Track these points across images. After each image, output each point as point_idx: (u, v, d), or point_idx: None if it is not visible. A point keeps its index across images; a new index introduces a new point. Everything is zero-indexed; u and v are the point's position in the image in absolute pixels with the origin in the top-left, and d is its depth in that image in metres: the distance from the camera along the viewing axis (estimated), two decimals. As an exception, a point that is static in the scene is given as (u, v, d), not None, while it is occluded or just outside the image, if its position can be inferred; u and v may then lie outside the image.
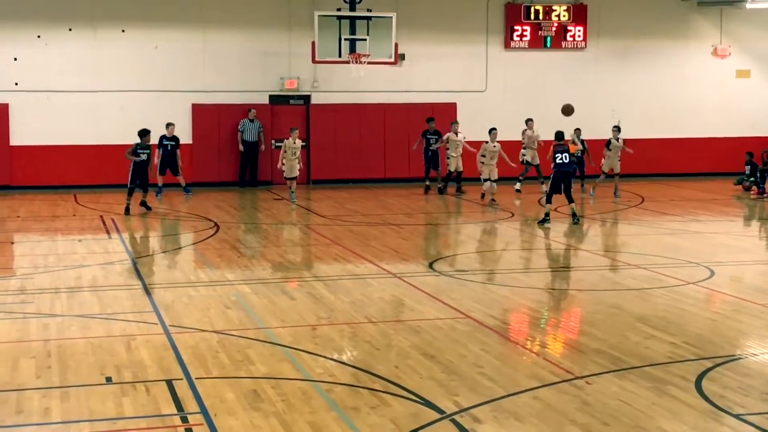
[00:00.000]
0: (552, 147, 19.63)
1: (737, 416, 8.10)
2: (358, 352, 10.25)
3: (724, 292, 13.25)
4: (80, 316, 11.76)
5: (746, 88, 29.59)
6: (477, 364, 9.65)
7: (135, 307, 12.37)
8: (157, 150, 23.20)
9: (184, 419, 8.08)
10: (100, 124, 25.61)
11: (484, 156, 22.56)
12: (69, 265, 15.17)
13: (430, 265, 15.14)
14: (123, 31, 25.85)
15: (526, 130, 24.82)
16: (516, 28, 27.98)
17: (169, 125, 24.00)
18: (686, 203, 23.34)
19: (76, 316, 11.76)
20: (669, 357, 9.88)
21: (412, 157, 25.59)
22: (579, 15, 28.28)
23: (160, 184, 23.98)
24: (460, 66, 27.76)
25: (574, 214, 19.63)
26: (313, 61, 25.03)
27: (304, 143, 24.12)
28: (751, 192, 24.97)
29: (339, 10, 24.94)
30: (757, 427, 7.86)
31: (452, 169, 24.60)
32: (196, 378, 9.13)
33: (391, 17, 24.76)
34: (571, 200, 19.68)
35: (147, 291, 13.25)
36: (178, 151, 24.05)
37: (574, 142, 21.06)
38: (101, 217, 20.68)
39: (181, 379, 9.11)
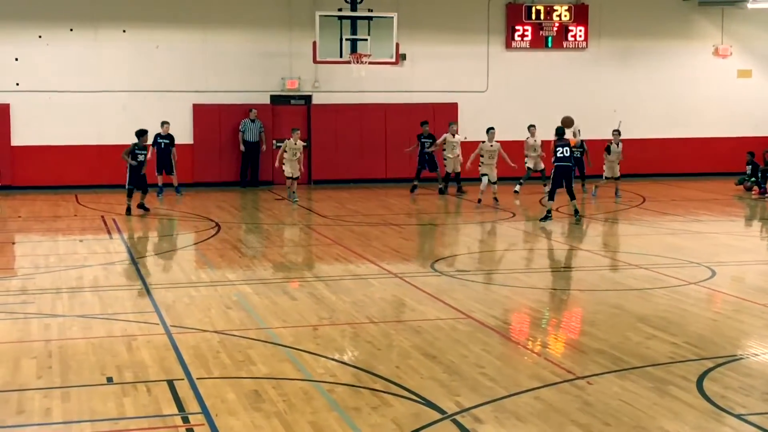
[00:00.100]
0: (553, 142, 19.68)
1: (738, 416, 8.09)
2: (359, 352, 10.25)
3: (725, 292, 13.25)
4: (81, 316, 11.76)
5: (747, 88, 29.59)
6: (478, 364, 9.65)
7: (136, 308, 12.38)
8: (151, 148, 23.16)
9: (185, 419, 8.07)
10: (101, 125, 25.62)
11: (482, 156, 22.50)
12: (70, 266, 15.17)
13: (432, 266, 15.14)
14: (124, 31, 25.86)
15: (528, 137, 24.79)
16: (517, 28, 27.98)
17: (163, 123, 23.99)
18: (687, 203, 23.33)
19: (77, 316, 11.76)
20: (670, 357, 9.87)
21: (413, 158, 25.58)
22: (580, 15, 28.28)
23: (159, 183, 24.00)
24: (461, 66, 27.76)
25: (576, 212, 19.64)
26: (314, 61, 25.05)
27: (305, 143, 24.14)
28: (753, 192, 24.96)
29: (340, 10, 24.95)
30: (758, 427, 7.85)
31: (449, 170, 24.61)
32: (197, 378, 9.12)
33: (393, 17, 24.77)
34: (572, 197, 19.71)
35: (148, 291, 13.25)
36: (173, 149, 24.02)
37: (574, 135, 21.08)
38: (102, 217, 20.69)
39: (182, 379, 9.11)
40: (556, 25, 28.16)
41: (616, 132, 24.30)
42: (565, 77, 28.40)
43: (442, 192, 24.73)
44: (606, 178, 24.09)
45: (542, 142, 24.47)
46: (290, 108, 27.14)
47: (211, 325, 11.28)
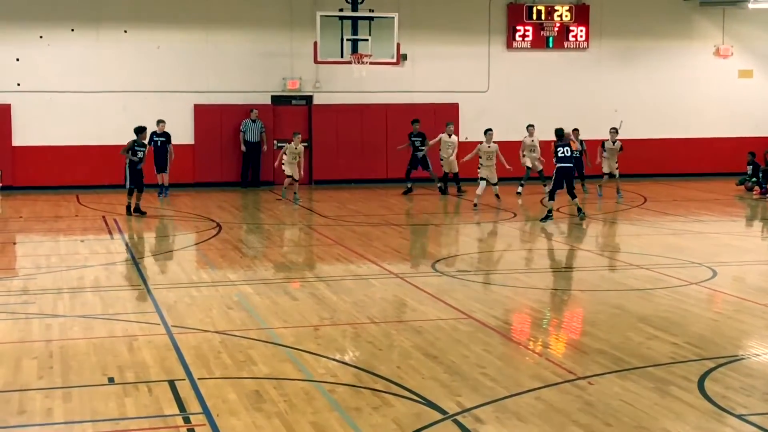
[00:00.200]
0: (554, 143, 19.69)
1: (740, 416, 8.09)
2: (360, 353, 10.26)
3: (726, 293, 13.24)
4: (82, 316, 11.76)
5: (748, 88, 29.58)
6: (479, 364, 9.65)
7: (137, 308, 12.39)
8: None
9: (187, 420, 8.08)
10: (103, 125, 25.61)
11: (480, 157, 22.37)
12: (71, 266, 15.17)
13: (433, 266, 15.14)
14: (125, 31, 25.87)
15: (526, 136, 24.80)
16: (518, 28, 27.98)
17: (159, 122, 23.95)
18: (688, 203, 23.33)
19: (78, 316, 11.77)
20: (671, 357, 9.87)
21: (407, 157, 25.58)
22: (581, 15, 28.28)
23: (160, 183, 23.98)
24: (462, 66, 27.75)
25: (579, 209, 19.61)
26: (315, 61, 25.05)
27: (306, 144, 24.13)
28: (754, 192, 24.95)
29: (341, 10, 24.95)
30: (759, 428, 7.85)
31: (446, 170, 24.62)
32: (199, 378, 9.13)
33: (393, 17, 24.77)
34: (573, 196, 19.73)
35: (149, 291, 13.25)
36: (169, 147, 23.93)
37: (573, 140, 21.12)
38: (103, 217, 20.69)
39: (184, 379, 9.11)
40: (557, 25, 28.16)
41: (613, 130, 24.31)
42: (566, 77, 28.40)
43: (443, 192, 24.73)
44: (605, 173, 24.11)
45: (540, 142, 24.49)
46: (291, 108, 27.15)
47: (212, 325, 11.28)
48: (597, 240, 18.79)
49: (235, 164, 26.63)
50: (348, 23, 24.67)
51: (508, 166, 22.49)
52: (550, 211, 19.55)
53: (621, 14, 28.68)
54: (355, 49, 24.58)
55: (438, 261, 15.64)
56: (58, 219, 20.70)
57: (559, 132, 20.00)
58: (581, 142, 24.78)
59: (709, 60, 29.39)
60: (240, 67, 26.58)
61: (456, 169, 24.52)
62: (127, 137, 21.02)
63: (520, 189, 24.56)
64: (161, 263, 15.94)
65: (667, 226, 19.61)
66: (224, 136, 26.59)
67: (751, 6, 28.28)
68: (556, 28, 28.18)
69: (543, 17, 28.04)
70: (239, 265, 15.27)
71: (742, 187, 25.85)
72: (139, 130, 21.02)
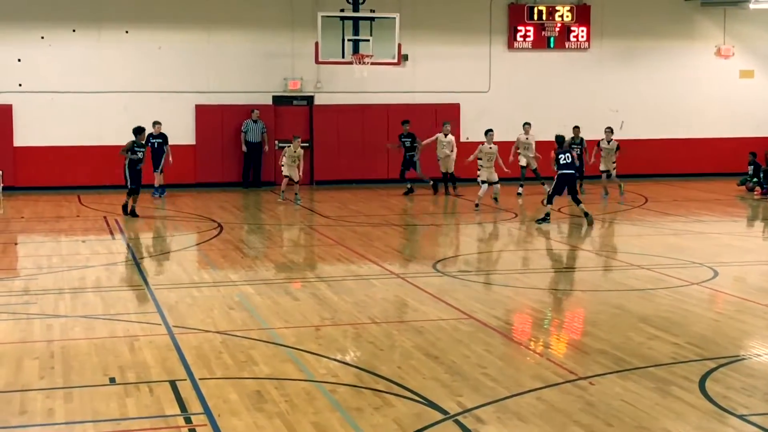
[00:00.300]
0: (554, 151, 19.61)
1: (741, 417, 8.09)
2: (361, 353, 10.26)
3: (727, 293, 13.24)
4: (84, 316, 11.77)
5: (750, 89, 29.58)
6: (480, 364, 9.65)
7: (138, 308, 12.40)
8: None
9: (188, 420, 8.08)
10: (104, 125, 25.62)
11: (480, 159, 22.21)
12: (73, 266, 15.18)
13: (434, 266, 15.14)
14: (127, 32, 25.88)
15: (521, 134, 24.81)
16: (519, 28, 27.98)
17: (155, 124, 23.87)
18: (689, 204, 23.33)
19: (79, 316, 11.77)
20: (672, 357, 9.87)
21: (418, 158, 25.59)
22: (582, 15, 28.28)
23: (156, 184, 23.94)
24: (463, 66, 27.75)
25: (586, 214, 19.53)
26: (317, 61, 25.05)
27: (307, 144, 24.11)
28: (755, 192, 24.95)
29: (342, 10, 24.96)
30: (760, 428, 7.85)
31: (442, 170, 24.63)
32: (200, 378, 9.13)
33: (395, 18, 24.76)
34: (578, 202, 19.67)
35: (150, 292, 13.25)
36: (166, 148, 23.82)
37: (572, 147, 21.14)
38: (105, 217, 20.70)
39: (185, 379, 9.11)
40: (558, 25, 28.16)
41: (608, 129, 24.31)
42: (567, 78, 28.40)
43: (435, 190, 24.68)
44: (601, 172, 24.13)
45: (536, 143, 24.49)
46: (292, 109, 27.16)
47: (213, 325, 11.29)
48: (598, 240, 18.79)
49: (236, 164, 26.64)
50: (349, 23, 24.67)
51: (506, 169, 22.45)
52: (547, 214, 19.46)
53: (622, 14, 28.68)
54: (356, 50, 24.58)
55: (439, 261, 15.64)
56: (60, 219, 20.71)
57: (560, 139, 19.94)
58: (581, 139, 24.82)
59: (710, 60, 29.39)
60: (241, 68, 26.59)
61: (452, 169, 24.53)
62: (129, 138, 20.98)
63: (520, 190, 24.56)
64: (162, 263, 15.95)
65: (668, 227, 19.61)
66: (225, 137, 26.60)
67: (752, 6, 28.28)
68: (557, 29, 28.18)
69: (544, 17, 28.03)
70: (240, 266, 15.28)
71: (743, 187, 25.84)
72: (138, 131, 20.94)
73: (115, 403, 8.46)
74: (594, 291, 13.65)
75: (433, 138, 24.70)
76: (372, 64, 24.61)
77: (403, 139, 25.03)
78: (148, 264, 15.64)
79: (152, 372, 9.37)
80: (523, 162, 24.67)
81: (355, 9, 24.97)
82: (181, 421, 8.09)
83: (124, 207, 20.61)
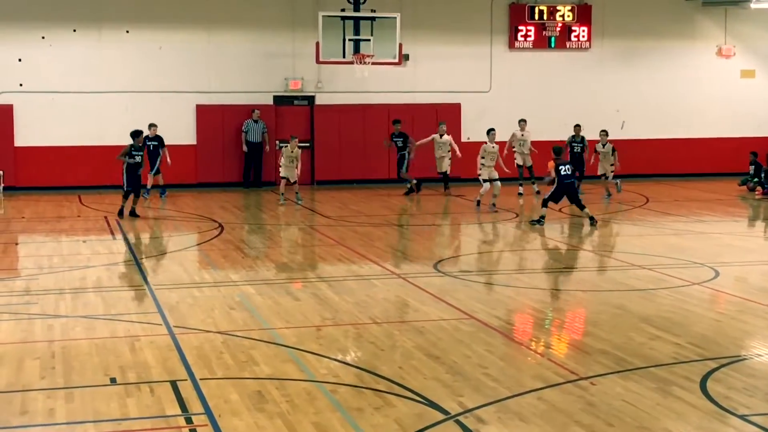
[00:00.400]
0: (553, 161, 19.49)
1: (742, 417, 8.09)
2: (362, 353, 10.26)
3: (728, 293, 13.24)
4: (85, 316, 11.77)
5: (751, 88, 29.58)
6: (481, 364, 9.65)
7: (139, 308, 12.40)
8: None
9: (189, 420, 8.08)
10: (105, 125, 25.63)
11: (483, 158, 22.10)
12: (73, 266, 15.18)
13: (435, 266, 15.13)
14: (127, 32, 25.89)
15: (517, 130, 24.80)
16: (520, 28, 27.99)
17: (151, 126, 23.73)
18: (691, 203, 23.32)
19: (80, 316, 11.77)
20: (673, 358, 9.87)
21: (416, 158, 25.59)
22: (583, 15, 28.28)
23: (161, 183, 23.95)
24: (464, 66, 27.76)
25: (591, 218, 19.49)
26: (317, 61, 25.05)
27: (307, 144, 24.09)
28: (756, 192, 24.94)
29: (343, 10, 24.95)
30: (761, 428, 7.85)
31: (439, 171, 24.63)
32: (201, 379, 9.13)
33: (396, 18, 24.76)
34: (582, 207, 19.64)
35: (151, 292, 13.26)
36: (162, 151, 23.69)
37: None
38: (106, 218, 20.70)
39: (186, 379, 9.11)
40: (559, 25, 28.16)
41: (603, 132, 24.31)
42: (568, 77, 28.41)
43: (416, 190, 24.63)
44: (600, 174, 24.14)
45: (533, 142, 24.49)
46: (293, 108, 27.16)
47: (214, 325, 11.28)
48: (599, 240, 18.77)
49: (237, 164, 26.65)
50: (350, 23, 24.65)
51: (507, 170, 22.43)
52: (542, 216, 19.38)
53: (623, 14, 28.68)
54: (357, 50, 24.57)
55: (440, 261, 15.64)
56: (61, 219, 20.71)
57: (558, 150, 19.91)
58: (582, 138, 24.84)
59: (711, 60, 29.39)
60: (242, 68, 26.59)
61: (444, 168, 24.53)
62: (129, 138, 20.94)
63: (521, 189, 24.56)
64: (163, 264, 15.94)
65: (669, 227, 19.60)
66: (226, 137, 26.60)
67: (753, 6, 28.28)
68: (558, 28, 28.19)
69: (545, 17, 28.04)
70: (241, 266, 15.28)
71: (744, 187, 25.84)
72: (136, 134, 20.75)
73: (116, 404, 8.46)
74: (595, 291, 13.64)
75: (429, 139, 24.71)
76: (373, 64, 24.61)
77: (394, 139, 25.03)
78: (149, 264, 15.64)
79: (153, 372, 9.37)
80: (519, 160, 24.67)
81: (356, 9, 24.97)
82: (181, 421, 8.08)
83: (120, 212, 20.37)
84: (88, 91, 25.71)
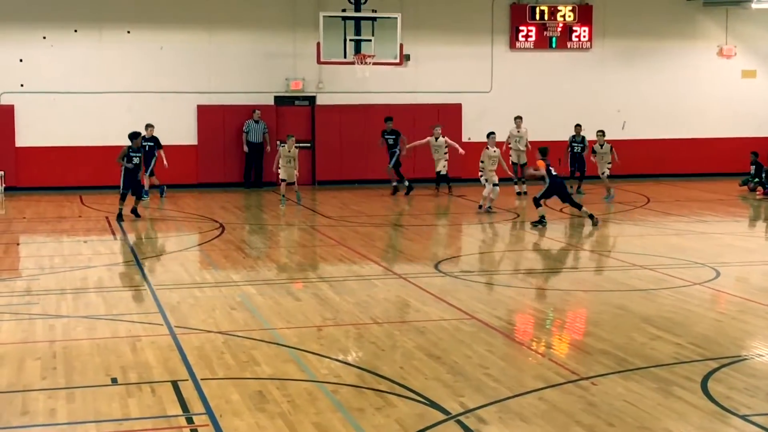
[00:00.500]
0: (542, 161, 19.49)
1: (743, 417, 8.09)
2: (363, 353, 10.26)
3: (729, 293, 13.23)
4: (86, 317, 11.77)
5: (752, 89, 29.57)
6: (482, 364, 9.65)
7: (140, 308, 12.40)
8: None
9: (190, 420, 8.08)
10: (106, 126, 25.62)
11: (483, 162, 21.94)
12: (75, 266, 15.19)
13: (436, 266, 15.14)
14: (128, 32, 25.90)
15: (513, 128, 24.80)
16: (521, 28, 27.98)
17: (148, 126, 23.67)
18: (692, 204, 23.32)
19: (81, 317, 11.78)
20: (674, 358, 9.87)
21: (417, 158, 25.60)
22: (584, 15, 28.27)
23: (158, 183, 23.92)
24: (465, 66, 27.76)
25: (591, 216, 19.48)
26: (318, 62, 25.05)
27: (309, 145, 24.08)
28: (757, 192, 24.93)
29: (344, 10, 24.94)
30: (762, 428, 7.85)
31: (436, 170, 24.65)
32: (202, 379, 9.13)
33: (396, 18, 24.75)
34: (578, 206, 19.61)
35: (152, 292, 13.26)
36: (158, 152, 23.58)
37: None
38: (107, 218, 20.70)
39: (187, 380, 9.12)
40: (560, 25, 28.15)
41: (600, 132, 24.30)
42: (569, 78, 28.40)
43: (394, 191, 24.63)
44: (599, 175, 24.15)
45: (530, 142, 24.50)
46: (294, 109, 27.16)
47: (215, 325, 11.29)
48: (599, 240, 18.77)
49: (238, 165, 26.66)
50: (351, 24, 24.65)
51: (510, 173, 22.42)
52: (542, 217, 19.35)
53: (624, 14, 28.67)
54: (358, 50, 24.57)
55: (441, 261, 15.64)
56: (62, 220, 20.72)
57: (544, 150, 19.94)
58: (583, 138, 24.84)
59: (712, 60, 29.38)
60: (243, 68, 26.60)
61: (440, 170, 24.53)
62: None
63: (518, 189, 24.54)
64: (164, 264, 15.95)
65: (670, 227, 19.60)
66: (227, 137, 26.61)
67: (754, 6, 28.28)
68: (559, 29, 28.18)
69: (546, 17, 28.03)
70: (242, 266, 15.28)
71: (745, 187, 25.83)
72: (134, 136, 20.59)
73: (117, 404, 8.47)
74: (596, 291, 13.64)
75: (424, 141, 24.67)
76: (374, 64, 24.60)
77: (386, 136, 25.03)
78: (150, 264, 15.65)
79: (154, 372, 9.38)
80: (514, 158, 24.68)
81: (357, 9, 24.97)
82: (183, 421, 8.09)
83: (119, 216, 20.13)
84: (89, 92, 25.72)
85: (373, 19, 24.75)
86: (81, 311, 12.07)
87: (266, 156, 26.46)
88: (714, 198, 24.49)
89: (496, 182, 21.88)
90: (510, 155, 24.74)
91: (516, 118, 24.92)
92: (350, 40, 24.58)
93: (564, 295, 13.52)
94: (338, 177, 27.08)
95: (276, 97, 27.01)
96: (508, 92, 28.02)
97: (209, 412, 8.20)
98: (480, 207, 21.61)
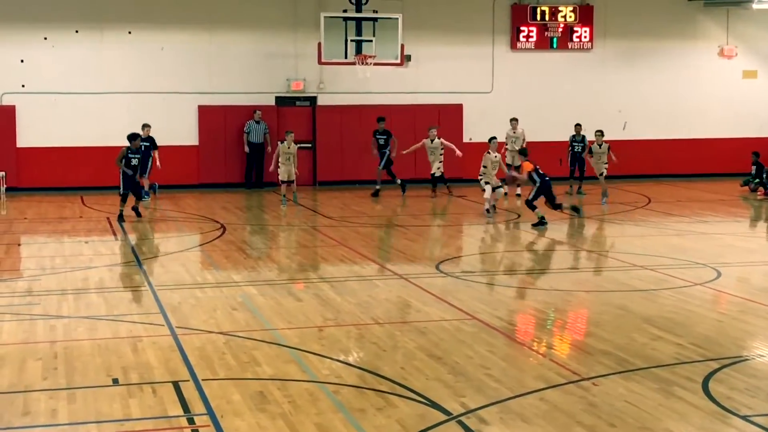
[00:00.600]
0: (530, 163, 19.55)
1: (744, 417, 8.09)
2: (364, 354, 10.26)
3: (730, 293, 13.24)
4: (87, 317, 11.78)
5: (753, 89, 29.56)
6: (483, 365, 9.65)
7: (141, 309, 12.40)
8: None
9: (191, 420, 8.09)
10: (107, 126, 25.61)
11: (485, 167, 21.86)
12: (76, 267, 15.20)
13: (437, 267, 15.14)
14: (129, 32, 25.90)
15: (509, 129, 24.79)
16: (522, 28, 27.98)
17: (144, 126, 23.67)
18: (693, 204, 23.31)
19: (82, 317, 11.78)
20: (675, 358, 9.87)
21: (417, 158, 25.59)
22: (585, 16, 28.27)
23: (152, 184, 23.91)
24: (466, 67, 27.76)
25: (574, 208, 19.59)
26: (319, 62, 25.04)
27: (310, 145, 24.06)
28: (758, 193, 24.93)
29: (345, 11, 24.92)
30: (763, 429, 7.85)
31: (431, 173, 24.66)
32: (203, 379, 9.14)
33: (397, 18, 24.72)
34: (558, 207, 19.69)
35: (153, 292, 13.26)
36: (154, 153, 23.58)
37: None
38: (108, 218, 20.71)
39: (188, 380, 9.12)
40: (561, 25, 28.16)
41: (599, 132, 24.26)
42: (570, 78, 28.40)
43: (375, 194, 24.58)
44: (597, 175, 24.14)
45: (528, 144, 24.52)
46: (295, 109, 27.17)
47: (216, 326, 11.29)
48: (600, 241, 18.78)
49: (239, 165, 26.66)
50: (352, 24, 24.63)
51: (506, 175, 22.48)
52: (542, 218, 19.34)
53: (625, 15, 28.66)
54: (359, 50, 24.56)
55: (442, 262, 15.64)
56: (63, 220, 20.73)
57: (524, 151, 20.01)
58: (583, 137, 24.84)
59: (713, 60, 29.38)
60: (244, 68, 26.60)
61: (434, 171, 24.50)
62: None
63: (518, 191, 24.54)
64: (165, 264, 15.94)
65: (671, 227, 19.60)
66: (228, 137, 26.61)
67: (755, 6, 28.28)
68: (560, 29, 28.18)
69: (547, 18, 28.03)
70: (243, 266, 15.29)
71: (746, 187, 25.83)
72: (132, 137, 20.56)
73: (119, 404, 8.47)
74: (597, 291, 13.64)
75: (420, 144, 24.65)
76: (375, 64, 24.59)
77: (378, 136, 25.02)
78: (151, 265, 15.65)
79: (155, 373, 9.38)
80: (509, 159, 24.67)
81: (358, 9, 24.96)
82: (184, 421, 8.09)
83: (120, 216, 20.09)
84: (90, 92, 25.73)
85: (374, 19, 24.74)
86: (82, 312, 12.07)
87: (267, 156, 26.40)
88: (715, 198, 24.48)
89: (499, 185, 21.89)
90: (505, 156, 24.69)
91: (512, 120, 24.90)
92: (351, 40, 24.56)
93: (565, 296, 13.52)
94: (339, 177, 27.08)
95: (277, 98, 27.01)
96: (509, 93, 28.02)
97: (210, 412, 8.20)
98: (488, 212, 21.28)
